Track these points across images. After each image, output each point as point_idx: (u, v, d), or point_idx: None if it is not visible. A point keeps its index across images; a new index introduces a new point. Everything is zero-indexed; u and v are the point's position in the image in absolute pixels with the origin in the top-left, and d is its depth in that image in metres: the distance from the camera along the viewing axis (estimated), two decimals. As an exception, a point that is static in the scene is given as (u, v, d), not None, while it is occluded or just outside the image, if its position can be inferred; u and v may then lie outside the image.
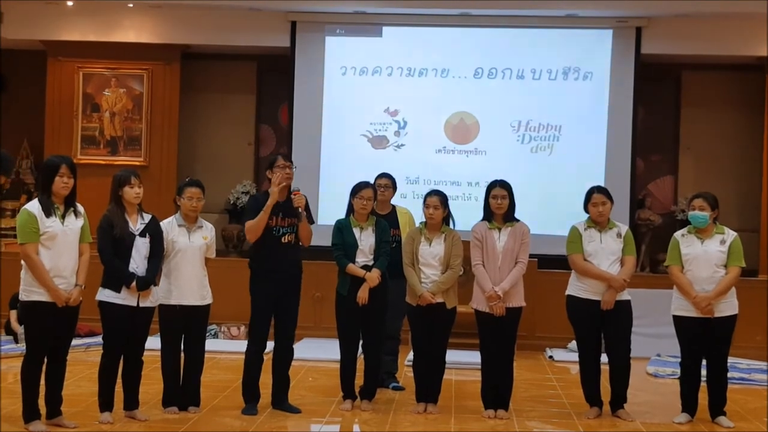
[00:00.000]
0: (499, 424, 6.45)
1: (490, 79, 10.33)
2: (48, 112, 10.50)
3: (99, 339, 6.45)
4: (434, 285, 6.55)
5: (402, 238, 7.04)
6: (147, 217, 6.22)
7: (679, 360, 6.67)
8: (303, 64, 10.42)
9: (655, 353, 9.01)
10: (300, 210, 6.54)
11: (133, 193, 6.11)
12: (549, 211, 9.81)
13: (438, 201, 6.64)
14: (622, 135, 10.11)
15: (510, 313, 6.53)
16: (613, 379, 6.68)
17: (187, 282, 6.36)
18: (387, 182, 7.46)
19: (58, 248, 5.79)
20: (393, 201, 7.54)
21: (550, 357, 9.19)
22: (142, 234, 6.13)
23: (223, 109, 11.00)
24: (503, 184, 6.66)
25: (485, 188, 6.76)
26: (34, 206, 5.81)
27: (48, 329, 5.79)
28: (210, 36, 10.42)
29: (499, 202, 6.60)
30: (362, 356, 6.81)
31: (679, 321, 6.56)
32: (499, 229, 6.61)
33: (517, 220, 6.68)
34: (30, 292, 5.76)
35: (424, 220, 6.72)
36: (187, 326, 6.41)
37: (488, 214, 6.67)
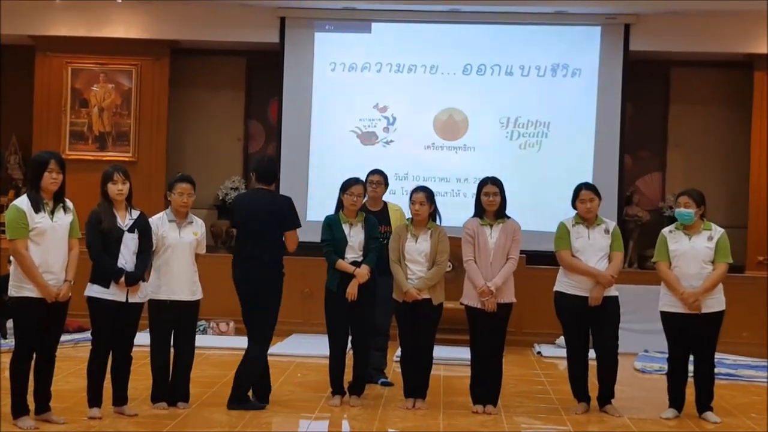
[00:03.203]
0: (488, 419, 6.46)
1: (479, 76, 10.34)
2: (36, 107, 10.47)
3: (88, 335, 6.44)
4: (420, 281, 6.56)
5: (395, 234, 7.05)
6: (135, 213, 6.18)
7: (667, 356, 6.70)
8: (292, 60, 10.41)
9: (642, 349, 9.04)
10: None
11: (115, 189, 6.06)
12: (537, 207, 9.82)
13: (424, 197, 6.63)
14: (610, 131, 10.13)
15: (501, 308, 6.54)
16: (600, 374, 6.70)
17: (177, 277, 6.36)
18: (379, 179, 7.46)
19: (48, 244, 5.77)
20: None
21: (538, 353, 9.22)
22: (131, 230, 6.10)
23: (212, 104, 10.99)
24: (495, 181, 6.66)
25: (474, 184, 6.78)
26: (23, 202, 5.78)
27: (37, 325, 5.77)
28: (199, 31, 10.40)
29: (491, 199, 6.60)
30: (351, 352, 6.83)
31: (666, 317, 6.59)
32: (491, 226, 6.62)
33: (509, 217, 6.69)
34: (19, 287, 5.74)
35: (411, 216, 6.74)
36: (177, 321, 6.41)
37: (479, 211, 6.67)
